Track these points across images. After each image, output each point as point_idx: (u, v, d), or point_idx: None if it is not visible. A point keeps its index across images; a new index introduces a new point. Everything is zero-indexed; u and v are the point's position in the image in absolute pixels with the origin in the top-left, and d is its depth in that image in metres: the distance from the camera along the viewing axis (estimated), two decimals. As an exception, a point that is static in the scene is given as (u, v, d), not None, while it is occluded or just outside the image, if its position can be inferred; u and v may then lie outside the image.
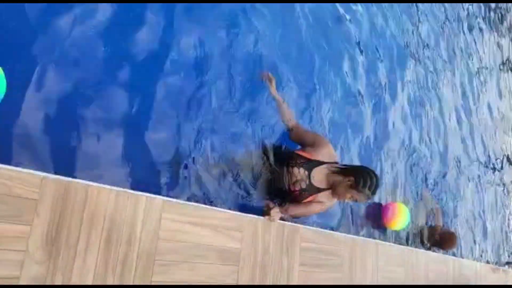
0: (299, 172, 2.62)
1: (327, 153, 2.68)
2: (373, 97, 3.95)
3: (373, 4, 4.17)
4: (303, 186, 2.62)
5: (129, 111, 2.09)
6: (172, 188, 2.20)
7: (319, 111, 3.23)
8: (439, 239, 4.36)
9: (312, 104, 3.18)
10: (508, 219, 7.38)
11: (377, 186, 2.62)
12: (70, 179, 1.53)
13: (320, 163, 2.64)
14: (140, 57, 2.19)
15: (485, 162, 6.66)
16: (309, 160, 2.63)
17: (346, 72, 3.63)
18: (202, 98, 2.43)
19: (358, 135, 3.62)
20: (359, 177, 2.59)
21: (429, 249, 4.37)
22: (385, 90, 4.14)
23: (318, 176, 2.64)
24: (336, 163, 2.70)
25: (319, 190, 2.64)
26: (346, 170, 2.64)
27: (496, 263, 6.23)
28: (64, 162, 1.79)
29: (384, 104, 4.08)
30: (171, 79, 2.30)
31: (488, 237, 6.32)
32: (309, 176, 2.62)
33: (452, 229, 4.77)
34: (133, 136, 2.09)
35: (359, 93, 3.74)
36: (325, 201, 2.68)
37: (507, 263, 6.69)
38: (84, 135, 1.89)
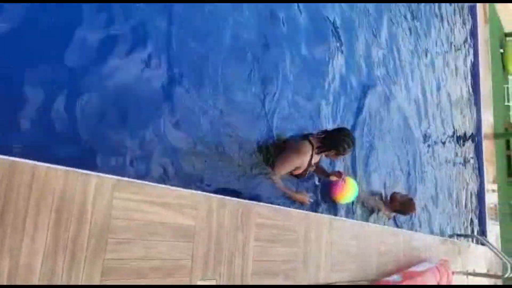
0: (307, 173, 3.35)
1: (304, 156, 3.19)
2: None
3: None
4: (312, 170, 3.41)
5: (81, 86, 2.07)
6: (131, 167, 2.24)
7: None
8: (399, 206, 4.67)
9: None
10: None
11: (353, 141, 3.21)
12: (14, 158, 1.50)
13: (310, 161, 3.24)
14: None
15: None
16: (305, 171, 3.27)
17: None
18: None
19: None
20: (338, 146, 3.17)
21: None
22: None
23: (315, 161, 3.32)
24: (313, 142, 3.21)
25: (319, 160, 3.47)
26: (325, 146, 3.19)
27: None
28: (9, 142, 1.75)
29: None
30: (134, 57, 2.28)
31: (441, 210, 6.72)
32: (311, 167, 3.33)
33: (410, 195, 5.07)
34: (88, 112, 2.07)
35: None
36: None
37: (456, 234, 7.09)
38: (31, 112, 1.86)
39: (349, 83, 4.42)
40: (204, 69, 2.79)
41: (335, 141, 3.17)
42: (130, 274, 1.84)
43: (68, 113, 2.02)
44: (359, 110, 4.56)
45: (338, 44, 4.26)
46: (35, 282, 1.51)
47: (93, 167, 2.01)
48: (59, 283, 1.57)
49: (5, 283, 1.43)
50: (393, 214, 4.83)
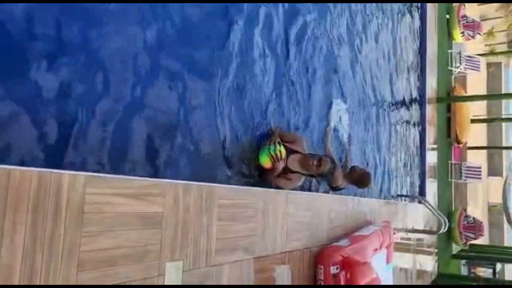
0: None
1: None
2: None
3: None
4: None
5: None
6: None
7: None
8: (358, 177, 4.97)
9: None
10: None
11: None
12: (-11, 165, 1.55)
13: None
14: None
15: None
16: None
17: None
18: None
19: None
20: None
21: (337, 189, 4.94)
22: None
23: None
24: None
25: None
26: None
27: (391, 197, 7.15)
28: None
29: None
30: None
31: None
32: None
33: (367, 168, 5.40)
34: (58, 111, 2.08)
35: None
36: None
37: (398, 195, 7.66)
38: None
39: (296, 50, 4.42)
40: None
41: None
42: (102, 263, 1.96)
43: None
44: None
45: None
46: (16, 280, 1.61)
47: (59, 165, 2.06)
48: (38, 279, 1.68)
49: (-12, 284, 1.52)
50: (348, 185, 5.11)
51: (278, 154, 3.40)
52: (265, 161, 3.45)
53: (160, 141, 2.69)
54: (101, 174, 1.99)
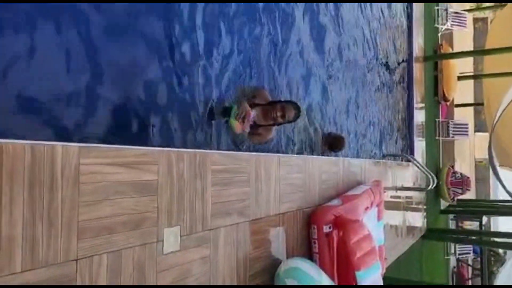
0: None
1: None
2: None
3: None
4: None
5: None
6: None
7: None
8: (332, 142, 5.06)
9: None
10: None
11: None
12: (-18, 140, 1.55)
13: None
14: None
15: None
16: None
17: None
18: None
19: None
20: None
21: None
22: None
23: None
24: None
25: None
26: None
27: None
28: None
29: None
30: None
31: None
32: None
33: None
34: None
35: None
36: None
37: (388, 155, 7.78)
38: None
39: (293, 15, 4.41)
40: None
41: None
42: (102, 231, 2.00)
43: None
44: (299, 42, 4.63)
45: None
46: (19, 251, 1.64)
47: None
48: (41, 249, 1.72)
49: (-9, 255, 1.55)
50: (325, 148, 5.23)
51: (243, 112, 3.19)
52: (236, 124, 3.22)
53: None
54: (93, 144, 2.00)
